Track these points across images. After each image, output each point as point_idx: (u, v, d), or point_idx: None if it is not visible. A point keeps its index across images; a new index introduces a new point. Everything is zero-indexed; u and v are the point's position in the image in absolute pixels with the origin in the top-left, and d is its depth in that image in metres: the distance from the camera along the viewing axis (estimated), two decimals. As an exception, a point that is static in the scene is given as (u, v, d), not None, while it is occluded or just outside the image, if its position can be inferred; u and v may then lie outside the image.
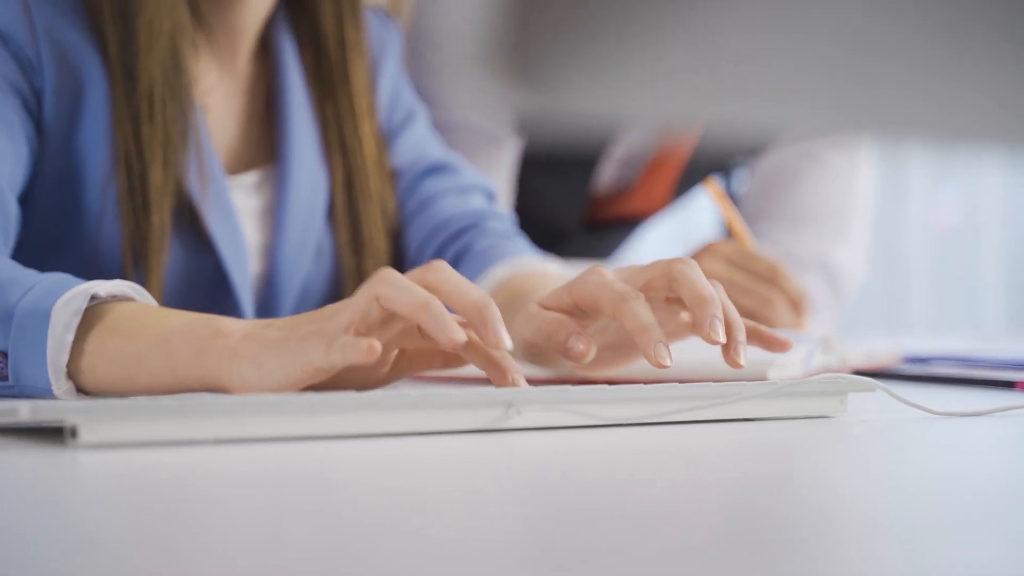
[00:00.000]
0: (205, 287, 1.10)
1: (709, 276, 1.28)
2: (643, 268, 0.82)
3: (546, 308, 0.84)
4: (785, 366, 1.02)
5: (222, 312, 1.06)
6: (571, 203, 1.62)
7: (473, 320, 0.75)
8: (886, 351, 1.25)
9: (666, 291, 0.81)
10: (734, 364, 0.80)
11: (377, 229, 1.19)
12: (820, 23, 0.31)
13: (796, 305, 1.29)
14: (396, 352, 0.81)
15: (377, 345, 0.71)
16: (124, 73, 1.05)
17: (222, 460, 0.61)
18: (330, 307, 0.76)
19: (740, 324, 0.81)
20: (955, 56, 0.36)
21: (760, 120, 0.32)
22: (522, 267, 1.11)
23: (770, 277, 1.29)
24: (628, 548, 0.42)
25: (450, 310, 0.75)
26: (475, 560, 0.41)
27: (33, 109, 1.04)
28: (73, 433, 0.61)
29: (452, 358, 0.82)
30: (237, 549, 0.43)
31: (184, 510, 0.51)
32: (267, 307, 1.14)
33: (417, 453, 0.64)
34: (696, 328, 0.79)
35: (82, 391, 0.80)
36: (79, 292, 0.79)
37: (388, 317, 0.75)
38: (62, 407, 0.61)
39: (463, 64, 0.27)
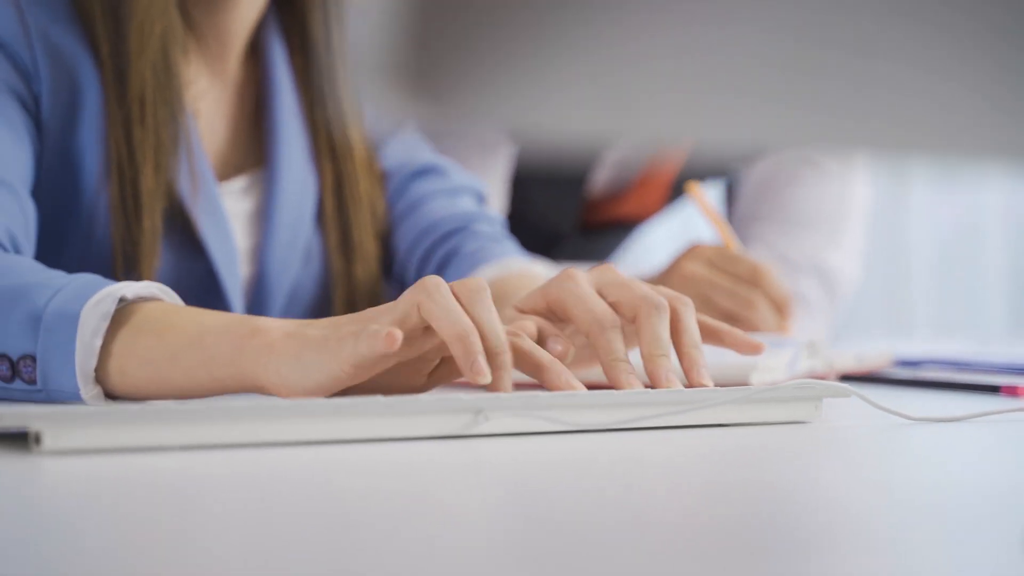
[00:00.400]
0: (196, 290, 1.10)
1: (691, 278, 1.29)
2: (619, 285, 0.82)
3: (521, 311, 0.84)
4: (769, 370, 1.02)
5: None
6: (566, 206, 1.62)
7: (453, 347, 0.74)
8: (876, 355, 1.24)
9: (629, 322, 0.81)
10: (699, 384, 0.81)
11: (366, 232, 1.19)
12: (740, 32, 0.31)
13: (779, 307, 1.29)
14: (436, 362, 0.81)
15: (397, 333, 0.71)
16: (116, 76, 1.05)
17: (188, 466, 0.61)
18: (372, 309, 0.76)
19: (700, 349, 0.81)
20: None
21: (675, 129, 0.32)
22: (508, 269, 1.11)
23: (752, 279, 1.29)
24: (595, 553, 0.42)
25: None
26: (442, 565, 0.41)
27: (32, 112, 1.04)
28: (37, 439, 0.61)
29: None
30: (202, 554, 0.43)
31: (148, 516, 0.51)
32: (256, 310, 1.14)
33: (386, 458, 0.64)
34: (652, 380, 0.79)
35: (111, 395, 0.80)
36: (107, 294, 0.78)
37: (429, 326, 0.75)
38: (26, 413, 0.62)
39: (363, 75, 0.27)
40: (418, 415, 0.69)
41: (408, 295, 0.74)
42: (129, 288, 0.80)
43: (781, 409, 0.78)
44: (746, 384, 0.96)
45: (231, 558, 0.42)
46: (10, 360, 0.80)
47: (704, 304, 1.27)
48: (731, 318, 1.27)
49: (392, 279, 1.22)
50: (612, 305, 0.81)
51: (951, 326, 3.12)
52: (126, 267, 1.05)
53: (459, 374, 0.81)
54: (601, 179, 1.63)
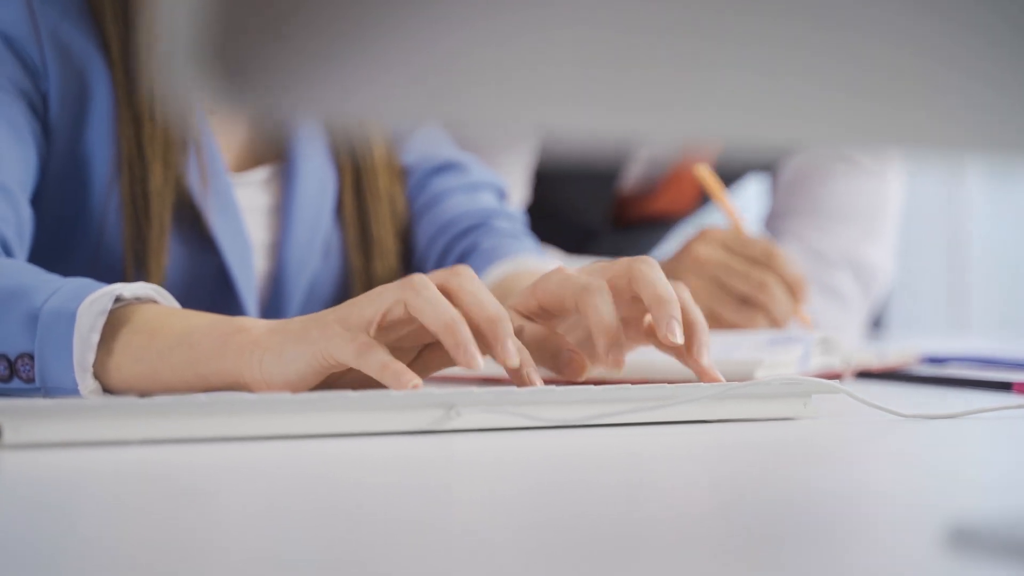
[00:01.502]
0: (208, 287, 1.10)
1: (704, 261, 1.28)
2: (605, 266, 0.81)
3: (516, 311, 0.83)
4: (778, 366, 1.00)
5: (225, 312, 1.07)
6: (597, 201, 1.61)
7: (485, 333, 0.75)
8: (899, 352, 1.23)
9: (628, 290, 0.80)
10: (695, 365, 0.79)
11: (386, 228, 1.19)
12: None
13: (793, 290, 1.27)
14: (416, 352, 0.81)
15: (419, 383, 0.72)
16: (126, 74, 1.06)
17: (149, 461, 0.61)
18: (355, 299, 0.77)
19: (703, 325, 0.80)
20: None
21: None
22: (522, 266, 1.11)
23: (765, 261, 1.27)
24: (567, 551, 0.41)
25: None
26: (409, 560, 0.41)
27: (39, 112, 1.05)
28: (-2, 432, 0.62)
29: None
30: (163, 547, 0.43)
31: (107, 510, 0.51)
32: (273, 306, 1.14)
33: (356, 454, 0.64)
34: (655, 329, 0.78)
35: (108, 391, 0.81)
36: (104, 293, 0.80)
37: (410, 318, 0.75)
38: (-14, 406, 0.62)
39: (172, 63, 0.27)
40: (389, 410, 0.69)
41: (394, 290, 0.75)
42: (125, 288, 0.81)
43: (768, 405, 0.76)
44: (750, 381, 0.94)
45: (193, 552, 0.42)
46: (8, 360, 0.81)
47: (717, 287, 1.26)
48: (745, 301, 1.26)
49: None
50: (607, 282, 0.81)
51: (1013, 323, 3.08)
52: (136, 265, 1.06)
53: (440, 365, 0.81)
54: (633, 175, 1.62)
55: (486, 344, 0.75)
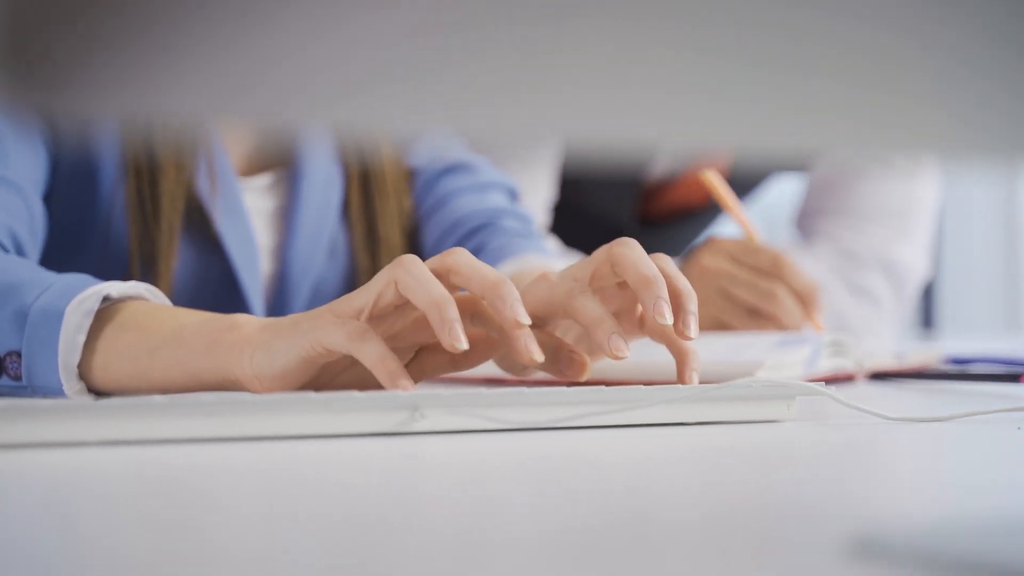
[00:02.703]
0: (215, 288, 1.10)
1: (710, 273, 1.26)
2: (587, 260, 0.80)
3: None
4: (782, 367, 0.99)
5: (232, 313, 1.07)
6: (624, 199, 1.60)
7: (490, 297, 0.74)
8: (919, 353, 1.20)
9: (613, 277, 0.79)
10: (682, 335, 0.77)
11: (393, 227, 1.19)
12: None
13: (803, 299, 1.24)
14: (412, 354, 0.80)
15: (411, 386, 0.71)
16: None
17: (107, 462, 0.61)
18: (348, 295, 0.76)
19: (691, 294, 0.78)
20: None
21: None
22: (527, 265, 1.10)
23: (772, 270, 1.24)
24: (526, 556, 0.41)
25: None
26: (369, 563, 0.40)
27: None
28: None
29: (459, 360, 0.81)
30: (116, 552, 0.42)
31: (70, 511, 0.50)
32: (279, 307, 1.14)
33: (318, 455, 0.63)
34: (643, 311, 0.76)
35: (97, 390, 0.81)
36: (92, 293, 0.80)
37: (403, 303, 0.74)
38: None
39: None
40: (353, 412, 0.68)
41: (384, 272, 0.74)
42: (114, 287, 0.81)
43: (750, 408, 0.75)
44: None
45: (158, 555, 0.42)
46: None
47: (724, 298, 1.24)
48: (753, 312, 1.23)
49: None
50: (590, 279, 0.79)
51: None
52: (143, 266, 1.06)
53: (438, 369, 0.80)
54: (658, 168, 1.61)
55: (495, 309, 0.74)
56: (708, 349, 1.04)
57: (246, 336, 0.75)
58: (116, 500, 0.53)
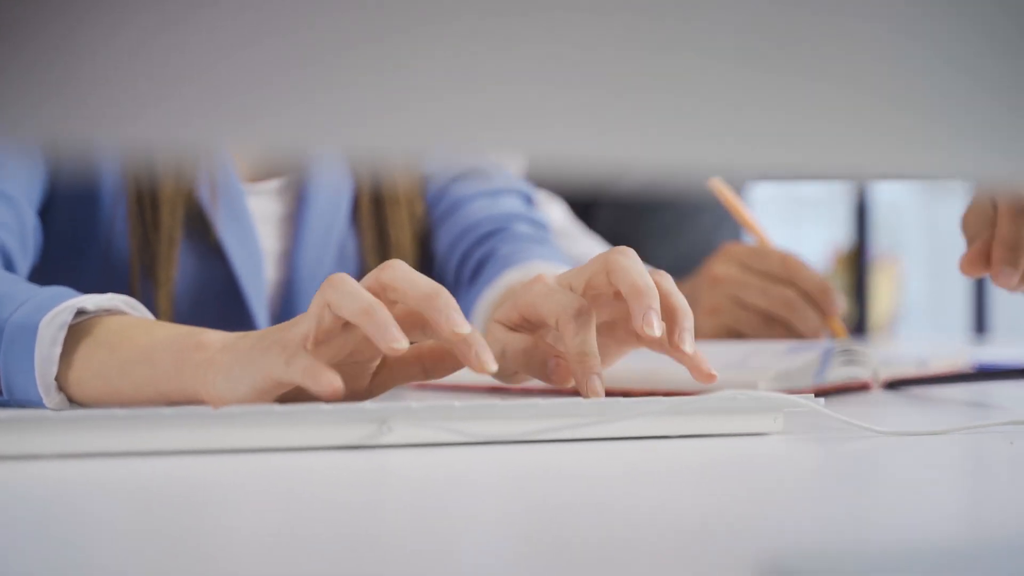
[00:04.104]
0: (218, 295, 1.10)
1: (721, 281, 1.23)
2: (583, 267, 0.78)
3: (500, 323, 0.81)
4: (784, 377, 0.97)
5: (235, 321, 1.06)
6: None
7: (426, 310, 0.72)
8: (943, 360, 1.17)
9: (609, 286, 0.77)
10: (677, 352, 0.76)
11: (404, 231, 1.18)
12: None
13: (818, 302, 1.21)
14: (376, 364, 0.79)
15: (338, 384, 0.69)
16: None
17: (68, 475, 0.60)
18: (297, 317, 0.75)
19: (686, 312, 0.76)
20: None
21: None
22: (531, 272, 1.08)
23: (783, 274, 1.20)
24: (487, 573, 0.40)
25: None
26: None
27: None
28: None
29: (431, 368, 0.79)
30: (85, 561, 0.42)
31: (34, 525, 0.50)
32: (286, 313, 1.14)
33: (284, 468, 0.62)
34: (633, 321, 0.74)
35: (75, 403, 0.81)
36: (67, 307, 0.80)
37: (345, 323, 0.73)
38: None
39: None
40: (320, 424, 0.67)
41: (317, 297, 0.73)
42: (90, 300, 0.80)
43: (736, 420, 0.73)
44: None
45: (119, 566, 0.41)
46: None
47: (737, 306, 1.21)
48: (768, 319, 1.21)
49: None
50: (585, 287, 0.77)
51: None
52: (143, 276, 1.06)
53: (408, 377, 0.79)
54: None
55: (431, 323, 0.72)
56: (714, 358, 1.02)
57: (209, 358, 0.75)
58: (77, 513, 0.52)
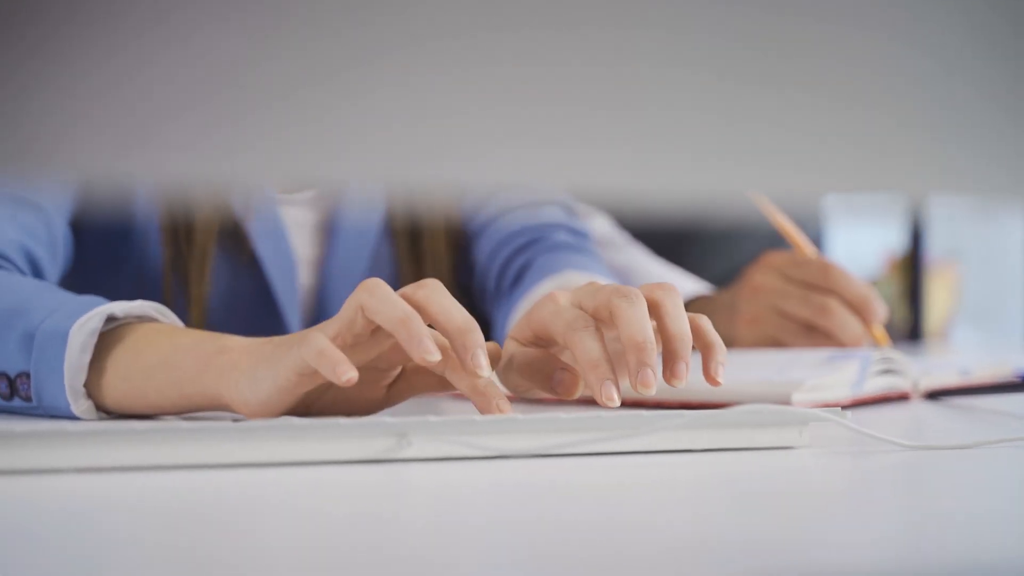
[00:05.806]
0: (251, 303, 1.11)
1: (761, 290, 1.22)
2: (595, 291, 0.77)
3: (515, 340, 0.80)
4: (821, 389, 0.96)
5: (267, 328, 1.07)
6: None
7: (455, 344, 0.73)
8: (985, 369, 1.16)
9: (612, 321, 0.76)
10: (713, 383, 0.75)
11: (439, 239, 1.18)
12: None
13: (858, 309, 1.19)
14: (396, 373, 0.80)
15: (353, 375, 0.70)
16: None
17: (86, 489, 0.60)
18: (327, 320, 0.76)
19: (720, 347, 0.75)
20: None
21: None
22: (566, 283, 1.08)
23: (823, 282, 1.19)
24: None
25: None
26: None
27: None
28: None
29: (448, 381, 0.79)
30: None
31: (53, 540, 0.50)
32: (319, 320, 1.14)
33: (304, 482, 0.63)
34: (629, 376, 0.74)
35: (104, 410, 0.82)
36: (96, 313, 0.81)
37: (375, 328, 0.74)
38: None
39: None
40: (340, 439, 0.67)
41: (350, 299, 0.73)
42: (120, 307, 0.81)
43: (761, 434, 0.72)
44: (787, 405, 0.90)
45: None
46: (8, 378, 0.83)
47: (777, 315, 1.20)
48: (809, 328, 1.19)
49: (474, 291, 1.21)
50: (592, 313, 0.77)
51: None
52: (176, 286, 1.07)
53: (427, 388, 0.79)
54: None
55: (457, 356, 0.73)
56: (753, 368, 1.01)
57: (233, 361, 0.75)
58: (97, 528, 0.52)
